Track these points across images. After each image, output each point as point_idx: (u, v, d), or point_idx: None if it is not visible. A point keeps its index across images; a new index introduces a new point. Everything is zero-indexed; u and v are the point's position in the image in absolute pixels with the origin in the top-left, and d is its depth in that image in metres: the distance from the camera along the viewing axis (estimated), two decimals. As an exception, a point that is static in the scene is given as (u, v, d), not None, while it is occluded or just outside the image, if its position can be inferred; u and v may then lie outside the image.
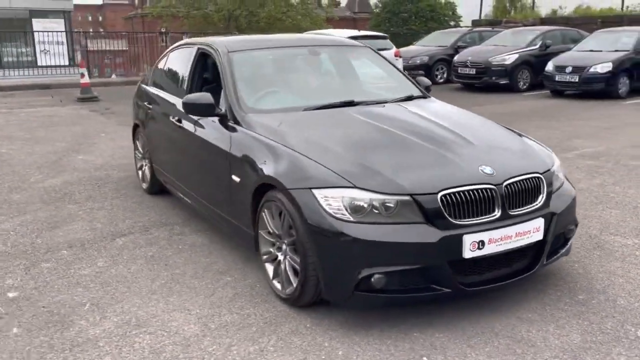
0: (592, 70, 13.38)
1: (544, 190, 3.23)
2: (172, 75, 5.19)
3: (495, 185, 3.03)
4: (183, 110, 4.05)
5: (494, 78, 14.84)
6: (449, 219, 2.90)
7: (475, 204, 2.97)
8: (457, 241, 2.88)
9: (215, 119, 3.99)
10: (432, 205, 2.88)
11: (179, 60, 5.12)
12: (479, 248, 2.93)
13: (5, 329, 3.12)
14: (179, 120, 4.50)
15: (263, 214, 3.41)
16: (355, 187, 2.92)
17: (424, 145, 3.33)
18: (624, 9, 20.44)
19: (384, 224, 2.87)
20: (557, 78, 13.87)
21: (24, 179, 6.31)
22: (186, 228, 4.68)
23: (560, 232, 3.34)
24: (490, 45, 16.11)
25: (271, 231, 3.38)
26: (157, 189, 5.55)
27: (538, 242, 3.16)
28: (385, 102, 4.17)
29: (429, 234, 2.86)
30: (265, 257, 3.50)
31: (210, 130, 4.04)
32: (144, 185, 5.73)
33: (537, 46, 15.43)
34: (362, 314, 3.16)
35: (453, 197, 2.93)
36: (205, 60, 4.72)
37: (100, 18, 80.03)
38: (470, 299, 3.22)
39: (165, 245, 4.32)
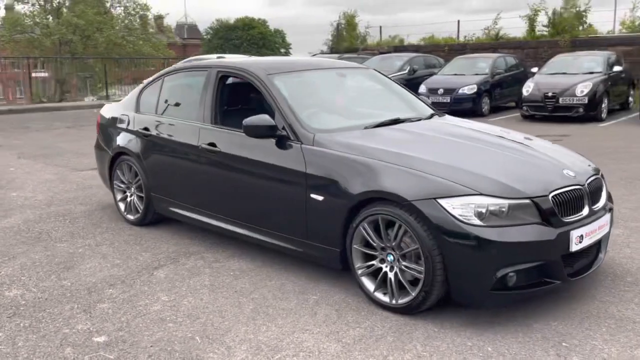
0: (460, 91, 14.95)
1: (605, 188, 3.75)
2: (180, 100, 5.01)
3: (581, 185, 3.48)
4: (244, 133, 4.00)
5: (373, 100, 15.82)
6: (560, 217, 3.27)
7: (572, 203, 3.38)
8: (567, 237, 3.27)
9: (272, 140, 3.99)
10: (547, 206, 3.24)
11: (186, 84, 5.00)
12: (580, 242, 3.34)
13: (135, 372, 2.87)
14: (212, 144, 4.38)
15: (361, 228, 3.51)
16: (480, 194, 3.18)
17: (503, 153, 3.70)
18: (462, 38, 22.95)
19: (509, 226, 3.16)
20: (430, 99, 15.18)
21: (-28, 221, 5.58)
22: (217, 255, 4.54)
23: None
24: (364, 70, 17.13)
25: (374, 244, 3.49)
26: (150, 219, 5.27)
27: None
28: (420, 119, 4.47)
29: (548, 232, 3.21)
30: (360, 271, 3.60)
31: (266, 152, 4.02)
32: (130, 217, 5.39)
33: (406, 71, 16.78)
34: (471, 314, 3.40)
35: (558, 197, 3.31)
36: (225, 82, 4.66)
37: None
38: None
39: (212, 273, 4.17)
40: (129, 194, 5.43)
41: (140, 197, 5.28)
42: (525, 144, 3.97)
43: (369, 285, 3.57)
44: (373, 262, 3.55)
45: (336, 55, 19.36)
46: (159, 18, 43.88)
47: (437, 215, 3.18)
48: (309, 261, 4.09)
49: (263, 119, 3.95)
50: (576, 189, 3.44)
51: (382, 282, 3.51)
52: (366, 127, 4.09)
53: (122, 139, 5.38)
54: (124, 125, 5.41)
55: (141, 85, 5.47)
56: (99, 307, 3.65)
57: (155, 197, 5.08)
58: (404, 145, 3.74)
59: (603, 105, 13.49)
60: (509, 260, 3.13)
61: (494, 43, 20.54)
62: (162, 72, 5.33)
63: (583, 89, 13.13)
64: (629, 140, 10.38)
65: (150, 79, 5.42)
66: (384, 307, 3.50)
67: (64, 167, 8.35)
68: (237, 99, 5.03)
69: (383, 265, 3.50)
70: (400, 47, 22.59)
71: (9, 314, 3.57)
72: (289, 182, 3.89)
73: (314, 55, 20.53)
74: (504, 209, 3.17)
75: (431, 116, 4.67)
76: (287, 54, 50.23)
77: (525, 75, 16.70)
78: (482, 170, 3.38)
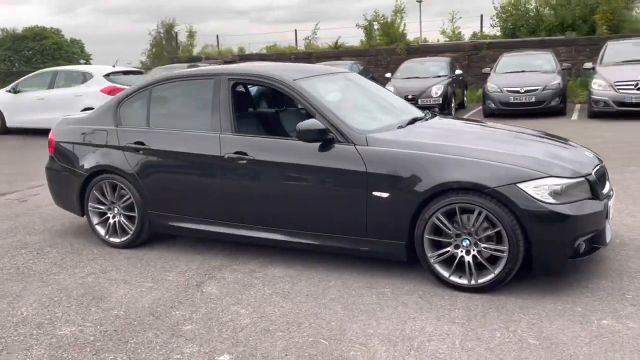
0: (325, 97, 15.64)
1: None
2: (181, 110, 4.80)
3: (602, 163, 4.12)
4: (298, 138, 4.04)
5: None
6: (601, 191, 3.86)
7: (601, 179, 4.00)
8: (607, 207, 3.87)
9: (314, 145, 4.08)
10: (594, 182, 3.81)
11: (185, 94, 4.83)
12: (611, 211, 3.97)
13: (303, 380, 2.84)
14: (241, 153, 4.31)
15: (435, 218, 3.77)
16: (550, 176, 3.64)
17: (535, 142, 4.23)
18: (303, 47, 23.90)
19: (573, 202, 3.66)
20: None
21: None
22: (248, 266, 4.45)
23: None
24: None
25: (449, 232, 3.77)
26: (144, 239, 4.95)
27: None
28: (433, 118, 4.82)
29: (598, 204, 3.77)
30: (433, 259, 3.85)
31: (310, 155, 4.08)
32: (115, 240, 4.99)
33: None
34: (531, 285, 3.84)
35: (596, 174, 3.90)
36: (236, 89, 4.60)
37: None
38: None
39: (264, 283, 4.11)
40: (110, 215, 5.02)
41: (129, 217, 4.93)
42: (540, 134, 4.54)
43: (443, 271, 3.84)
44: (448, 248, 3.82)
45: (180, 65, 18.94)
46: None
47: (519, 198, 3.56)
48: (365, 258, 4.23)
49: (314, 123, 4.02)
50: (601, 166, 4.07)
51: (456, 267, 3.80)
52: (399, 127, 4.35)
53: (101, 157, 4.96)
54: (101, 141, 4.99)
55: (117, 98, 5.08)
56: (185, 329, 3.44)
57: (153, 214, 4.79)
58: (454, 139, 4.09)
59: (452, 105, 15.12)
60: (581, 231, 3.64)
61: (337, 52, 21.71)
62: (145, 82, 5.01)
63: (437, 91, 14.59)
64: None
65: (129, 90, 5.06)
66: (461, 289, 3.79)
67: (-44, 198, 7.27)
68: (248, 105, 4.96)
69: (458, 251, 3.79)
70: (244, 56, 22.79)
71: (90, 351, 3.22)
72: (346, 182, 4.01)
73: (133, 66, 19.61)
74: (568, 188, 3.65)
75: (432, 115, 5.03)
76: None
77: (374, 80, 17.99)
78: (538, 155, 3.85)
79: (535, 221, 3.56)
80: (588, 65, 14.15)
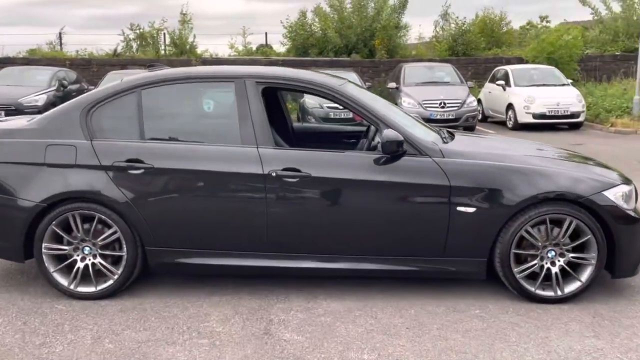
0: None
1: None
2: (192, 120, 3.87)
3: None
4: (382, 150, 3.58)
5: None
6: (634, 199, 4.20)
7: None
8: (636, 213, 4.22)
9: (370, 157, 3.71)
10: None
11: (195, 98, 3.96)
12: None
13: None
14: (293, 169, 3.64)
15: (524, 231, 3.66)
16: (621, 183, 3.82)
17: (570, 154, 4.42)
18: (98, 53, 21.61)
19: (634, 206, 3.89)
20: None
21: None
22: (296, 303, 3.76)
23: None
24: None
25: (538, 244, 3.68)
26: (132, 279, 3.86)
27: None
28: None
29: (641, 209, 4.09)
30: (520, 274, 3.71)
31: (379, 170, 3.67)
32: (88, 290, 3.79)
33: (56, 86, 14.94)
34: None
35: (627, 185, 4.23)
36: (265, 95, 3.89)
37: None
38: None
39: (342, 322, 3.51)
40: (78, 258, 3.78)
41: (109, 257, 3.78)
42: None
43: (529, 285, 3.73)
44: (534, 261, 3.72)
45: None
46: None
47: (606, 205, 3.65)
48: (435, 279, 3.94)
49: (395, 134, 3.61)
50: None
51: (532, 279, 3.74)
52: (445, 139, 4.14)
53: (67, 180, 3.71)
54: (65, 160, 3.74)
55: (82, 103, 3.85)
56: None
57: (155, 251, 3.75)
58: (510, 151, 4.07)
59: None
60: (643, 234, 3.88)
61: (120, 60, 20.03)
62: (130, 83, 3.85)
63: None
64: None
65: (101, 93, 3.87)
66: (547, 301, 3.73)
67: None
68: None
69: (543, 262, 3.73)
70: (4, 59, 19.59)
71: None
72: (427, 198, 3.68)
73: None
74: (629, 194, 3.84)
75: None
76: None
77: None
78: (593, 166, 4.03)
79: (622, 225, 3.68)
80: (392, 85, 15.39)
